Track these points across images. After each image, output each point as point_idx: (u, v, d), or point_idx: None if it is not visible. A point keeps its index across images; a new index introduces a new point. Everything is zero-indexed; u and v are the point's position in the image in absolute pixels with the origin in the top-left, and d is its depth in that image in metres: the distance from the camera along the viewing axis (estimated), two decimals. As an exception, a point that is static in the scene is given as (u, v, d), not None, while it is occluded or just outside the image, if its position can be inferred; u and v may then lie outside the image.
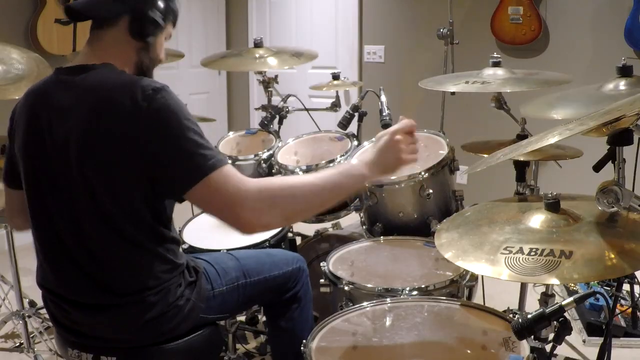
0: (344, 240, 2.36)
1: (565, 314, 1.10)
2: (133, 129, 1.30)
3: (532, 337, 1.13)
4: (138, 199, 1.35)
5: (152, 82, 1.35)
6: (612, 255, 1.14)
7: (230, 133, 2.81)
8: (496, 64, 2.19)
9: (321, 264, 1.86)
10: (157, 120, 1.30)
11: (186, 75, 5.10)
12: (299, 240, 2.67)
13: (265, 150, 2.52)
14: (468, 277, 1.77)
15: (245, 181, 1.33)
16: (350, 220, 2.70)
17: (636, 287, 2.54)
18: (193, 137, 1.31)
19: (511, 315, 1.61)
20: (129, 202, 1.35)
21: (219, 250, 1.97)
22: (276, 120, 2.72)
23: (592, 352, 2.41)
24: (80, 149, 1.34)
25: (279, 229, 2.14)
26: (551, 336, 1.14)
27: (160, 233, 1.42)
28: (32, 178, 1.43)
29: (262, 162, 2.49)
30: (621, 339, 2.52)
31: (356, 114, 2.55)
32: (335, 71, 2.89)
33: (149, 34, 1.41)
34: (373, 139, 2.32)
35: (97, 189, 1.34)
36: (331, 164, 2.27)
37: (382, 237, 2.11)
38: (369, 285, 1.71)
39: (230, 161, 2.46)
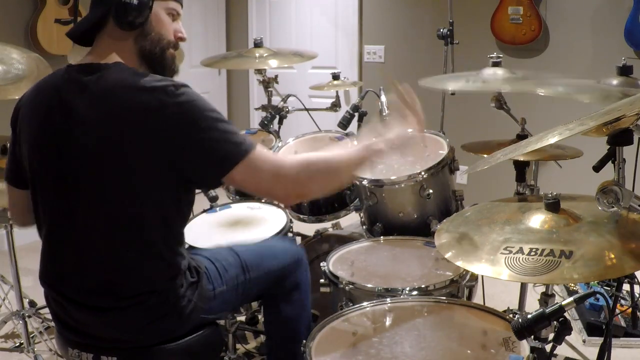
0: (344, 240, 2.35)
1: (565, 314, 1.10)
2: (158, 127, 1.31)
3: (532, 337, 1.13)
4: (163, 197, 1.36)
5: (170, 80, 1.37)
6: (612, 255, 1.14)
7: (231, 133, 2.80)
8: (496, 64, 2.19)
9: (321, 264, 1.85)
10: (183, 115, 1.32)
11: (186, 75, 5.08)
12: (299, 240, 2.67)
13: (265, 150, 2.52)
14: (468, 277, 1.77)
15: (281, 157, 1.47)
16: (350, 220, 2.70)
17: (636, 287, 2.54)
18: (223, 126, 1.36)
19: (511, 315, 1.61)
20: (152, 201, 1.36)
21: (219, 250, 1.97)
22: (276, 120, 2.72)
23: (592, 352, 2.41)
24: (102, 153, 1.33)
25: (279, 228, 2.14)
26: (551, 336, 1.14)
27: (172, 234, 1.43)
28: (41, 176, 1.42)
29: (262, 162, 2.48)
30: (621, 339, 2.52)
31: (356, 114, 2.55)
32: (335, 71, 2.89)
33: (135, 20, 1.40)
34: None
35: (116, 192, 1.34)
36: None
37: (382, 237, 2.11)
38: (369, 285, 1.71)
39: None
